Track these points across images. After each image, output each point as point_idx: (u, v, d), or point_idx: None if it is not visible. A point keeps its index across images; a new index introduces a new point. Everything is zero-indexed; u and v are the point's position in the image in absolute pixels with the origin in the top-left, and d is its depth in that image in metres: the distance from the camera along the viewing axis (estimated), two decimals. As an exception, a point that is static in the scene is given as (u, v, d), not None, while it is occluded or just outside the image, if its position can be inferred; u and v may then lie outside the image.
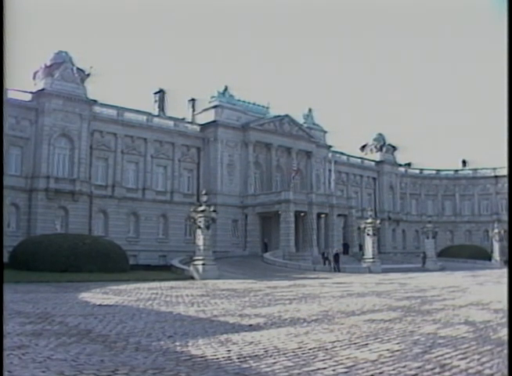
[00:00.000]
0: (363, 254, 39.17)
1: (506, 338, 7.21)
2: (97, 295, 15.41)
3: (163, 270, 30.97)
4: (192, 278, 26.32)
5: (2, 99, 6.74)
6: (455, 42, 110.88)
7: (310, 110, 55.39)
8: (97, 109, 41.01)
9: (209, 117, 47.42)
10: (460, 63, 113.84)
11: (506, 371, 5.40)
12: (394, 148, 66.03)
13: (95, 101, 40.17)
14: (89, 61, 38.39)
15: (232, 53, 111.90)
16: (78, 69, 39.56)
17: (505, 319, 9.52)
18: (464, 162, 71.14)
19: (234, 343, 7.25)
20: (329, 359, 6.23)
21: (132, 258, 36.70)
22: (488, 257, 50.85)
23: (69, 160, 38.61)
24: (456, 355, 6.50)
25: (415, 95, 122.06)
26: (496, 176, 65.52)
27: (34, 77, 39.34)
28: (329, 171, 52.98)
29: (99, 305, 12.55)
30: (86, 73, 39.74)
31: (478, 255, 52.57)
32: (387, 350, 6.78)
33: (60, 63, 39.05)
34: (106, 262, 27.26)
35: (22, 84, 37.71)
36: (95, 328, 8.54)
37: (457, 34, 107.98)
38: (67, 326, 8.74)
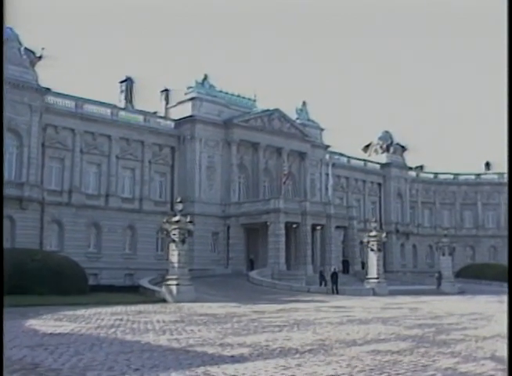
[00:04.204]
0: (366, 274, 39.31)
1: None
2: (48, 322, 15.28)
3: (129, 292, 30.90)
4: (164, 301, 26.35)
5: (2, 99, 6.77)
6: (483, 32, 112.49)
7: (304, 104, 55.73)
8: (51, 99, 40.70)
9: (185, 111, 47.41)
10: (484, 52, 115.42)
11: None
12: (404, 148, 66.50)
13: (48, 89, 39.84)
14: (41, 42, 38.14)
15: (213, 37, 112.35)
16: (27, 50, 39.13)
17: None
18: (488, 165, 71.27)
19: (213, 377, 7.19)
20: (327, 396, 6.17)
21: (93, 278, 36.42)
22: (517, 279, 50.95)
23: (16, 159, 38.20)
24: (482, 397, 6.45)
25: (428, 86, 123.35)
26: (527, 181, 66.02)
27: (-31, 57, 38.77)
28: (327, 175, 53.20)
29: (51, 333, 12.46)
30: (37, 55, 39.35)
31: (505, 276, 52.64)
32: (396, 386, 6.73)
33: (4, 41, 38.57)
34: (60, 282, 26.93)
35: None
36: (44, 361, 8.44)
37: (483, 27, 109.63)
38: (9, 360, 8.59)
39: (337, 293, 35.12)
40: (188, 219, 28.33)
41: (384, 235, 39.59)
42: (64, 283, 27.04)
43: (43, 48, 39.75)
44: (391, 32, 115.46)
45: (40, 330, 13.26)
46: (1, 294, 6.71)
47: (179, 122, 47.15)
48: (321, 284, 37.70)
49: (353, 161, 62.72)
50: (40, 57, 39.57)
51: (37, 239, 37.82)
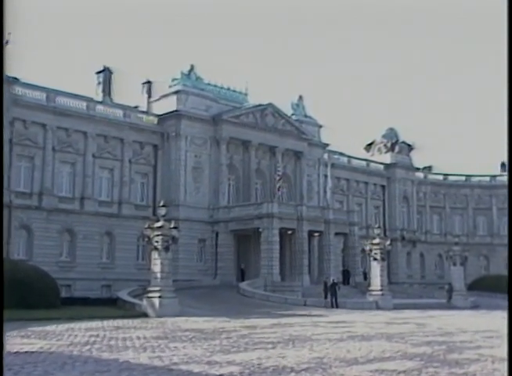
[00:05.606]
0: (369, 285, 39.43)
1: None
2: (14, 340, 15.23)
3: (106, 305, 31.05)
4: (145, 315, 26.50)
5: (2, 99, 6.86)
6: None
7: (300, 99, 55.84)
8: (19, 90, 40.54)
9: (169, 105, 47.39)
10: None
11: None
12: (410, 147, 66.76)
13: (16, 79, 39.63)
14: (8, 27, 37.73)
15: (201, 25, 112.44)
16: (-11, 34, 39.00)
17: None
18: (504, 165, 71.27)
19: (198, 401, 7.14)
20: (327, 421, 6.08)
21: (65, 290, 36.43)
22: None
23: (-19, 158, 38.06)
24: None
25: (436, 79, 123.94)
26: (548, 184, 66.25)
27: None
28: (325, 176, 53.30)
29: (16, 352, 12.42)
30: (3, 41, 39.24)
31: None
32: (404, 409, 6.66)
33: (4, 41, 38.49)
34: (29, 294, 26.91)
35: None
36: (8, 383, 8.29)
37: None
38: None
39: (337, 306, 35.13)
40: (172, 225, 28.46)
41: (388, 243, 39.69)
42: (33, 296, 27.03)
43: (9, 33, 39.49)
44: (398, 23, 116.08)
45: (4, 348, 13.13)
46: (2, 298, 6.67)
47: (163, 118, 47.10)
48: (326, 297, 36.85)
49: (354, 161, 62.85)
50: (6, 42, 39.36)
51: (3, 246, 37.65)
